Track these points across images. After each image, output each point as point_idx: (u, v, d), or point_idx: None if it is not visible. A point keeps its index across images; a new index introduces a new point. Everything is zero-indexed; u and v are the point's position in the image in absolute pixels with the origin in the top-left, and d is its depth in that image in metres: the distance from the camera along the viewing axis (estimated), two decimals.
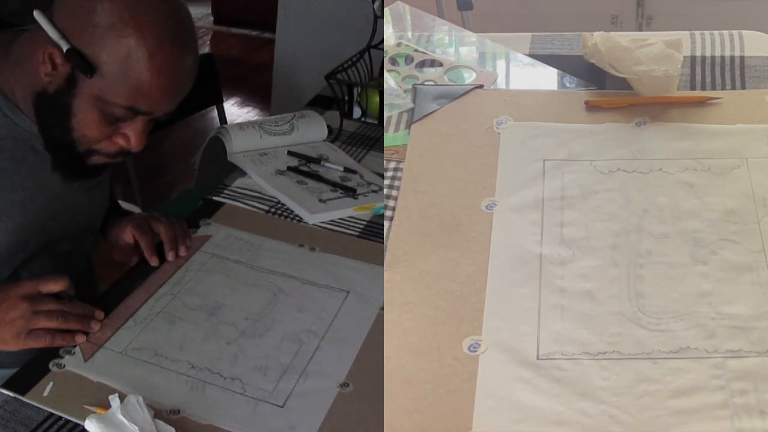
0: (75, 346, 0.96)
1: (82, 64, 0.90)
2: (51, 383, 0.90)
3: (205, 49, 4.54)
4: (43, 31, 0.92)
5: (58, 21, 0.92)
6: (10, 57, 0.98)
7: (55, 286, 0.97)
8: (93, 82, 0.91)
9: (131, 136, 0.97)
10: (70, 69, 0.92)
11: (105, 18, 0.89)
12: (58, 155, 1.00)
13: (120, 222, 1.19)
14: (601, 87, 1.18)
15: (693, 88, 1.17)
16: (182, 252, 1.16)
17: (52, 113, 0.95)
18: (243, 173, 1.45)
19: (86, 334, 0.97)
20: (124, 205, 1.40)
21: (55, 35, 0.91)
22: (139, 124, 0.96)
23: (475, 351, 0.85)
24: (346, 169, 1.48)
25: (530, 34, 1.33)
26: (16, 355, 1.06)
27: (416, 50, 1.32)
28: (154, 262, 1.13)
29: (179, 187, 2.86)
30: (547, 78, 1.24)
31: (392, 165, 1.09)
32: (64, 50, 0.90)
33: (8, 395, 0.89)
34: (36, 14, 0.92)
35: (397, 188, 1.04)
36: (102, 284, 1.32)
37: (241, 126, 1.54)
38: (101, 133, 0.96)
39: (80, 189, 1.10)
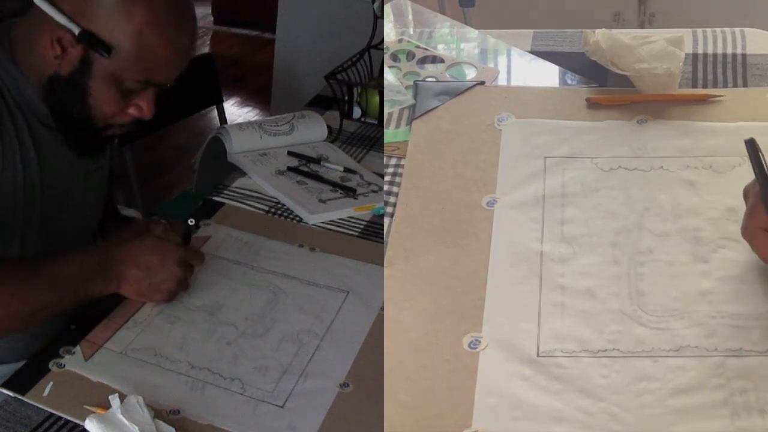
0: (75, 346, 0.96)
1: (97, 45, 0.92)
2: (51, 383, 0.90)
3: (205, 49, 4.53)
4: (43, 16, 0.93)
5: (62, 4, 0.93)
6: (13, 45, 1.00)
7: (197, 262, 1.08)
8: (109, 62, 0.94)
9: (144, 106, 1.01)
10: (82, 51, 0.94)
11: None
12: (72, 135, 1.03)
13: (120, 232, 1.19)
14: (603, 84, 1.18)
15: (695, 85, 1.17)
16: None
17: (68, 95, 0.98)
18: (243, 173, 1.45)
19: None
20: (125, 211, 1.39)
21: (63, 19, 0.92)
22: (150, 94, 1.01)
23: (476, 348, 0.84)
24: (346, 169, 1.48)
25: (532, 30, 1.33)
26: (17, 352, 1.06)
27: (418, 46, 1.31)
28: None
29: (179, 187, 2.86)
30: (548, 75, 1.24)
31: (393, 161, 1.08)
32: (76, 33, 0.92)
33: (8, 395, 0.89)
34: (37, 0, 0.93)
35: (398, 185, 1.04)
36: None
37: (241, 126, 1.53)
38: (117, 107, 1.00)
39: (80, 174, 1.11)
